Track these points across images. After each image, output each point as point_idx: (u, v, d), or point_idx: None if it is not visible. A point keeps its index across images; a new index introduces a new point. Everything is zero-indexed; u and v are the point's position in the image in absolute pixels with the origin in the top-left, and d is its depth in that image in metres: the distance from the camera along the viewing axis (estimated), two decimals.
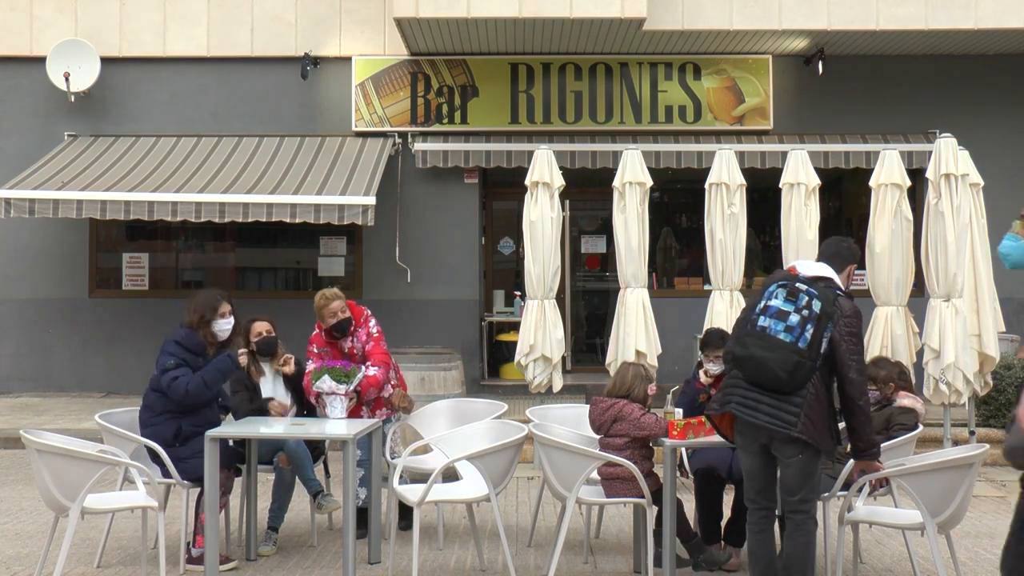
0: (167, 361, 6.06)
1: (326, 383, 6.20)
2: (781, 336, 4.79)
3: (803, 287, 4.90)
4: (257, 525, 6.40)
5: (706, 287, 9.84)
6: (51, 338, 13.14)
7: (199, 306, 6.22)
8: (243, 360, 6.33)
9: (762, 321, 4.82)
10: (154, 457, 6.03)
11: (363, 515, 6.48)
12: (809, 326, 4.81)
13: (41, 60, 12.83)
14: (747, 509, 5.20)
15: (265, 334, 6.71)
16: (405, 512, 6.56)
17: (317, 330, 6.79)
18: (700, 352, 6.65)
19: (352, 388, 6.30)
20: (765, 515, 5.11)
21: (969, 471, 5.19)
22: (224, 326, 6.24)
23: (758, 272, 13.59)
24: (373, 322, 6.83)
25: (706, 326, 8.88)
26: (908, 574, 6.05)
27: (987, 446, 5.56)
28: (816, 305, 4.85)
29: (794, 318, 4.83)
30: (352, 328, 6.75)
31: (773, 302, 4.85)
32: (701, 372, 6.39)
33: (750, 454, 5.05)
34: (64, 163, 12.23)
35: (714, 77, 13.10)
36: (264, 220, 11.34)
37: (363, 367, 6.47)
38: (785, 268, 5.32)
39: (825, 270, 5.10)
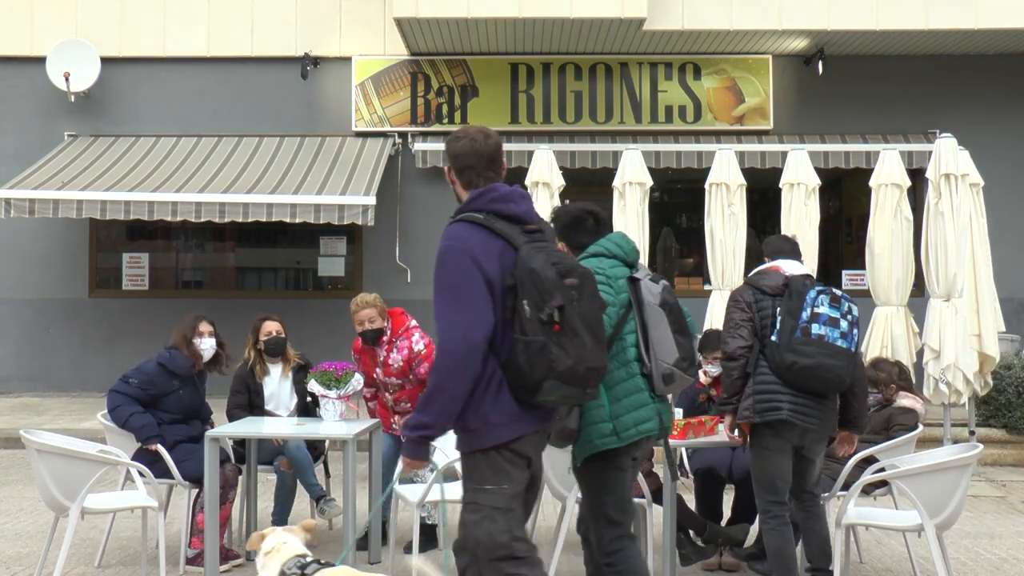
0: (131, 378, 6.10)
1: (314, 386, 6.13)
2: (839, 343, 4.91)
3: (839, 292, 5.09)
4: (257, 525, 6.40)
5: (706, 287, 9.85)
6: (51, 338, 13.14)
7: (182, 326, 6.33)
8: (152, 446, 6.02)
9: (817, 329, 4.88)
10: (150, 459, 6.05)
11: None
12: (855, 331, 5.01)
13: (41, 60, 12.83)
14: (767, 512, 5.13)
15: (275, 334, 6.74)
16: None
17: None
18: (699, 353, 6.65)
19: (344, 393, 6.06)
20: (786, 512, 5.17)
21: (966, 471, 5.18)
22: (203, 345, 6.28)
23: None
24: (418, 336, 6.38)
25: (706, 326, 8.88)
26: (908, 574, 6.05)
27: (981, 446, 5.56)
28: (855, 310, 5.06)
29: (843, 324, 4.98)
30: (386, 339, 6.39)
31: (821, 309, 4.92)
32: (701, 373, 6.39)
33: (785, 456, 5.10)
34: (64, 163, 12.23)
35: (714, 77, 13.10)
36: (264, 220, 11.34)
37: (356, 373, 6.20)
38: (766, 267, 5.30)
39: (805, 268, 5.31)
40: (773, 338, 4.97)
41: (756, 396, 5.01)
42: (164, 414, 6.13)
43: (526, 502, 3.82)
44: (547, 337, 3.52)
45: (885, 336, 8.85)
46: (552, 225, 4.15)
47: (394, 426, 6.49)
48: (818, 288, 5.06)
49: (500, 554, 3.59)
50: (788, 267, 5.25)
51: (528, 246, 3.64)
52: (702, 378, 6.38)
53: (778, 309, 5.03)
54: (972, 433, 8.96)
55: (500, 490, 3.61)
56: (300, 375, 6.72)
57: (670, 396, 6.25)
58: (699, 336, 7.40)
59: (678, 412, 5.87)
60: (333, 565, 3.46)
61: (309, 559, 3.46)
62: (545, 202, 9.25)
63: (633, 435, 4.12)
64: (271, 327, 6.73)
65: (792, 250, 5.43)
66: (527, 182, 9.39)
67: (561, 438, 4.12)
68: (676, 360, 4.14)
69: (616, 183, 9.34)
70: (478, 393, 3.60)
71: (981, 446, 5.54)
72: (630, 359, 4.21)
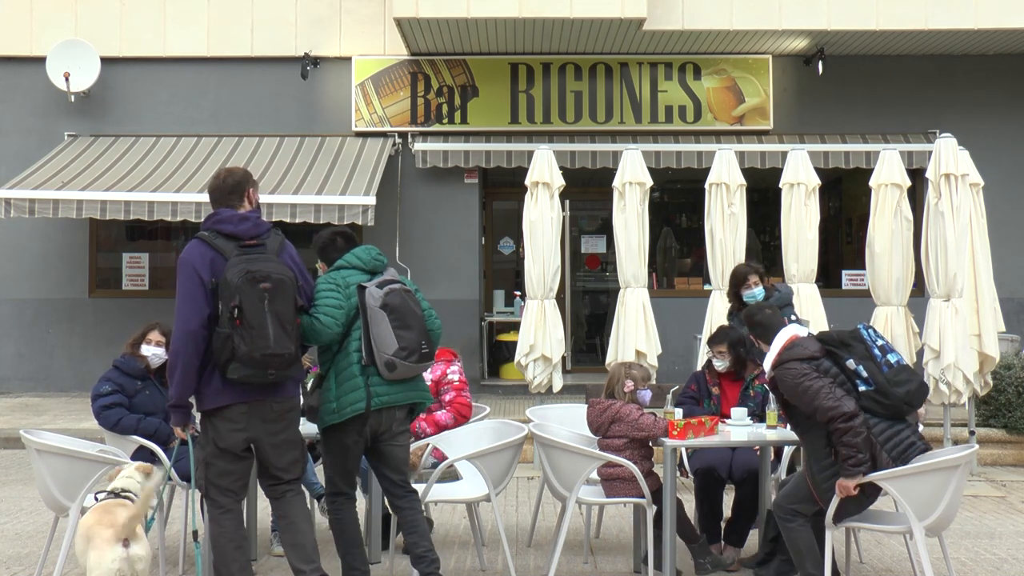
0: (102, 387, 6.22)
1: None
2: (904, 362, 5.29)
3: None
4: (258, 525, 6.40)
5: (706, 287, 9.84)
6: (51, 338, 13.15)
7: (133, 334, 6.53)
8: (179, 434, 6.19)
9: (892, 358, 5.23)
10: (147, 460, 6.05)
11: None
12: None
13: (41, 60, 12.83)
14: (798, 513, 5.33)
15: None
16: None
17: None
18: (708, 347, 6.67)
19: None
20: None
21: (955, 473, 5.14)
22: (149, 351, 6.37)
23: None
24: (456, 368, 6.59)
25: (706, 326, 8.88)
26: (908, 574, 6.05)
27: (976, 447, 5.55)
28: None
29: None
30: None
31: (880, 342, 5.29)
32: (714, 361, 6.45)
33: None
34: (64, 163, 12.24)
35: (714, 77, 13.10)
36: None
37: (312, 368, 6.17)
38: (786, 339, 5.37)
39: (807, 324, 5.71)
40: (863, 388, 5.15)
41: (887, 445, 5.13)
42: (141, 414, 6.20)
43: (261, 460, 4.91)
44: (231, 329, 4.58)
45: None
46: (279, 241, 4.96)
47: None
48: (861, 326, 5.37)
49: (202, 493, 4.87)
50: (802, 330, 5.46)
51: (236, 258, 4.68)
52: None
53: (847, 362, 5.20)
54: (972, 433, 8.97)
55: (209, 444, 4.78)
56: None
57: (670, 396, 6.32)
58: (700, 337, 7.42)
59: (678, 412, 5.87)
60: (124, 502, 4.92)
61: (109, 492, 4.97)
62: (545, 202, 9.26)
63: (349, 412, 5.01)
64: None
65: (781, 319, 5.61)
66: (527, 182, 9.39)
67: (306, 414, 5.07)
68: (395, 351, 5.00)
69: (616, 183, 9.33)
70: (203, 370, 4.70)
71: (976, 447, 5.54)
72: (351, 351, 5.05)
